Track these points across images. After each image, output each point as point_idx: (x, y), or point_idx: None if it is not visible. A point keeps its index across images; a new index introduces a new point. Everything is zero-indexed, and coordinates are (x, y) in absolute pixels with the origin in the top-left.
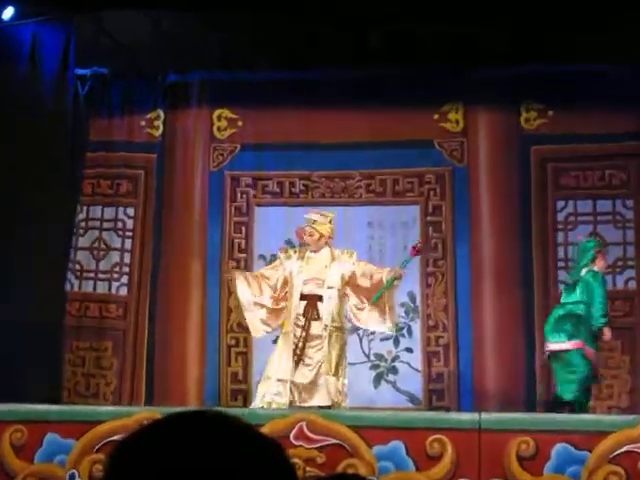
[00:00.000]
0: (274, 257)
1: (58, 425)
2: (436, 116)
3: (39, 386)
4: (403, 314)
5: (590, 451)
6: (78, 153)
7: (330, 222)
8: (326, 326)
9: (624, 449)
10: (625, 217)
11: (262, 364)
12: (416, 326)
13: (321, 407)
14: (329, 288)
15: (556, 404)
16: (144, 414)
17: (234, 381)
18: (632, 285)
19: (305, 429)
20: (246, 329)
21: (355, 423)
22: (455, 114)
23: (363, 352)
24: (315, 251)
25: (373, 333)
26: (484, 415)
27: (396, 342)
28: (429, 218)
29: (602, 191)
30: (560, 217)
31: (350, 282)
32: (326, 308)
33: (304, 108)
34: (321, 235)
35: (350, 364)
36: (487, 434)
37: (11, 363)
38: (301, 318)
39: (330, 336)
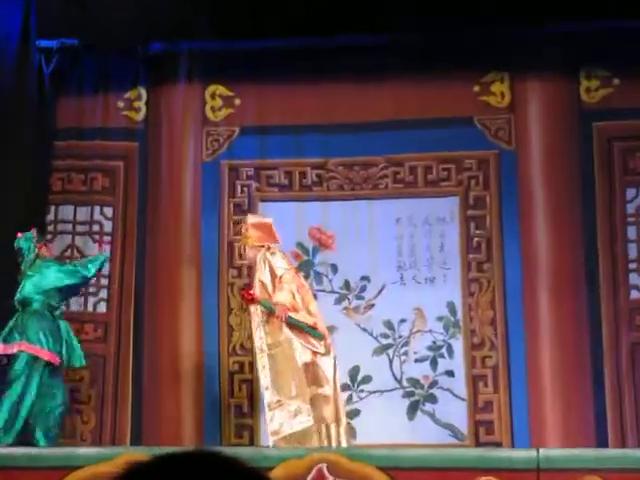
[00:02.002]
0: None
1: (28, 472)
2: (476, 88)
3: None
4: (441, 330)
5: None
6: (44, 142)
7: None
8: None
9: None
10: None
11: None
12: (458, 344)
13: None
14: None
15: None
16: (129, 456)
17: (238, 415)
18: None
19: (325, 472)
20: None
21: (386, 464)
22: (500, 85)
23: (394, 377)
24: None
25: (406, 354)
26: (543, 452)
27: (434, 364)
28: (470, 212)
29: None
30: (631, 208)
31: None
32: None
33: (316, 82)
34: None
35: (379, 392)
36: (547, 474)
37: None
38: None
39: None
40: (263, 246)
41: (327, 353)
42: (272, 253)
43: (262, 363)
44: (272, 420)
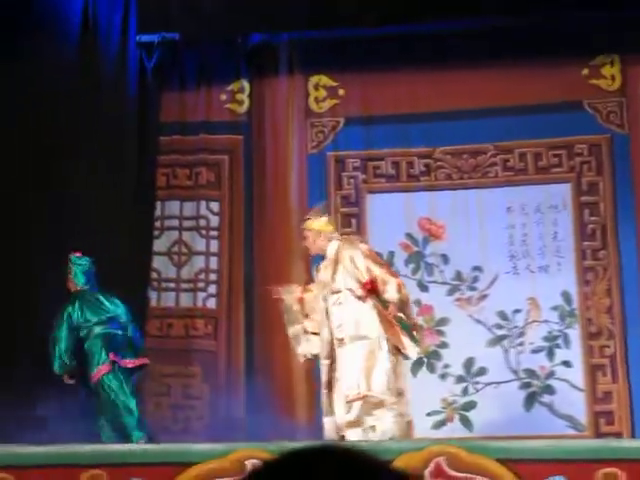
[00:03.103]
0: (391, 255)
1: (142, 468)
2: (585, 71)
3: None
4: (557, 319)
5: None
6: (149, 137)
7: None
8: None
9: None
10: None
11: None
12: (574, 334)
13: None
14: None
15: None
16: (244, 452)
17: None
18: None
19: (444, 465)
20: None
21: (505, 456)
22: (610, 68)
23: (510, 368)
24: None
25: (521, 344)
26: None
27: (550, 354)
28: (583, 199)
29: None
30: None
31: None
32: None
33: (422, 69)
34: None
35: (495, 383)
36: None
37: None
38: None
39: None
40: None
41: None
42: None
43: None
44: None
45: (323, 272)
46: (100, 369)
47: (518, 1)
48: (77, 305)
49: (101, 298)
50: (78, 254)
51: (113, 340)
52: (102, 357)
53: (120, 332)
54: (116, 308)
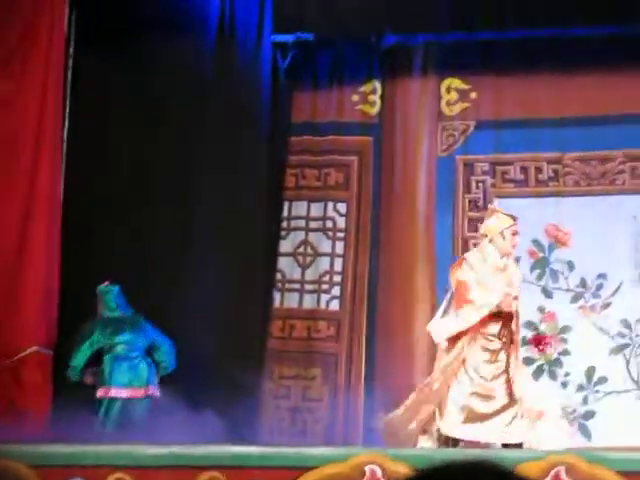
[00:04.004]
0: (517, 260)
1: (260, 471)
2: None
3: (234, 424)
4: None
5: None
6: (279, 137)
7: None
8: None
9: None
10: None
11: None
12: None
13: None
14: None
15: None
16: (364, 457)
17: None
18: None
19: (563, 475)
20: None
21: (625, 467)
22: None
23: (631, 377)
24: None
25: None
26: None
27: None
28: None
29: None
30: None
31: None
32: None
33: (553, 74)
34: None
35: (615, 392)
36: None
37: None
38: None
39: None
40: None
41: None
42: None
43: None
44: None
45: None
46: (100, 390)
47: None
48: (102, 325)
49: (129, 320)
50: (106, 283)
51: (121, 365)
52: (105, 379)
53: (137, 359)
54: (137, 336)
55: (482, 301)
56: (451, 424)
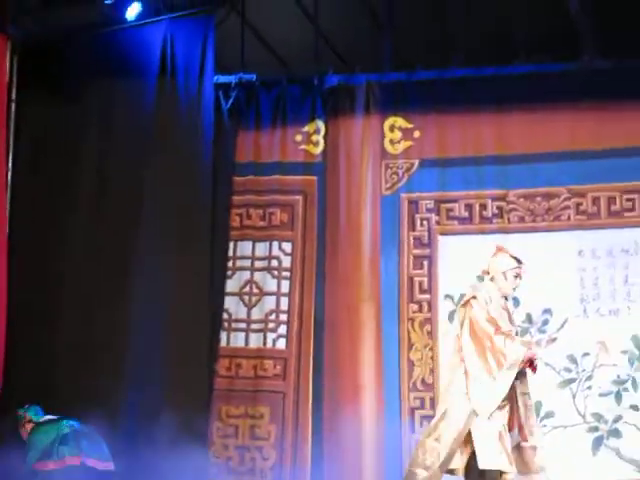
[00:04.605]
0: (462, 297)
1: None
2: None
3: (186, 462)
4: (626, 363)
5: None
6: (223, 177)
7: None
8: None
9: None
10: None
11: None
12: None
13: None
14: None
15: None
16: None
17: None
18: None
19: None
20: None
21: None
22: None
23: (577, 411)
24: None
25: (589, 388)
26: None
27: (618, 398)
28: None
29: None
30: None
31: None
32: None
33: (497, 111)
34: None
35: (562, 426)
36: None
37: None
38: None
39: None
40: None
41: None
42: None
43: None
44: None
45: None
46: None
47: (590, 46)
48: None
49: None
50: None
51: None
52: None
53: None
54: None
55: (510, 359)
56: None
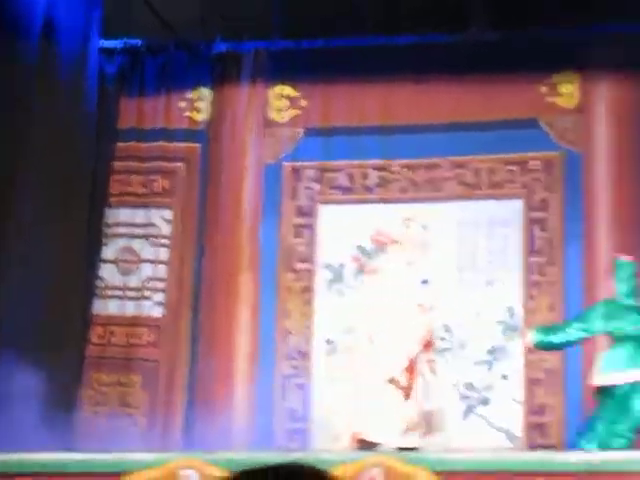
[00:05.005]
0: (342, 267)
1: (77, 477)
2: (544, 89)
3: (53, 431)
4: (499, 333)
5: None
6: (104, 143)
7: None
8: None
9: None
10: None
11: (325, 398)
12: (515, 348)
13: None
14: None
15: None
16: (181, 461)
17: (292, 418)
18: None
19: (380, 476)
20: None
21: (441, 468)
22: (568, 86)
23: (450, 379)
24: None
25: (464, 357)
26: (599, 454)
27: (490, 367)
28: (534, 214)
29: None
30: None
31: None
32: None
33: (382, 82)
34: None
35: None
36: (604, 477)
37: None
38: None
39: None
40: None
41: None
42: None
43: None
44: None
45: None
46: None
47: (475, 17)
48: None
49: None
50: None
51: None
52: None
53: None
54: None
55: None
56: None
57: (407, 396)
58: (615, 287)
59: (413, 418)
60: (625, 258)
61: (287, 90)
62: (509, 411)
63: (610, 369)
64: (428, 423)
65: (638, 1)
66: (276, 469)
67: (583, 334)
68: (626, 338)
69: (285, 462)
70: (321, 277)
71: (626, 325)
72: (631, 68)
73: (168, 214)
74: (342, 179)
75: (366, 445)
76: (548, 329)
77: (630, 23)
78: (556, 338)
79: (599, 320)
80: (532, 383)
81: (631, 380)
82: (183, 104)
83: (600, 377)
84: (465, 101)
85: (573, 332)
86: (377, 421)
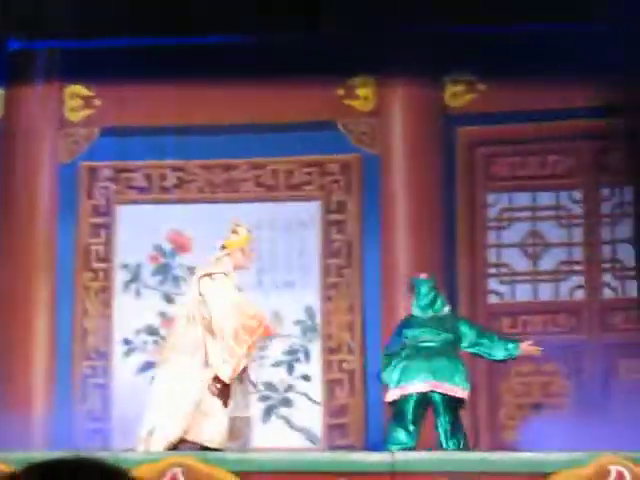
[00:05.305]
0: (139, 267)
1: None
2: (341, 91)
3: None
4: (299, 334)
5: None
6: None
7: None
8: None
9: None
10: (571, 212)
11: (125, 398)
12: (315, 348)
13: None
14: None
15: None
16: None
17: (91, 419)
18: (579, 295)
19: (180, 476)
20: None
21: (241, 468)
22: (364, 89)
23: (250, 381)
24: None
25: (263, 358)
26: (397, 455)
27: (290, 368)
28: (331, 216)
29: (543, 182)
30: (492, 213)
31: None
32: None
33: (179, 83)
34: None
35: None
36: (402, 478)
37: None
38: None
39: None
40: None
41: None
42: None
43: None
44: None
45: None
46: None
47: (275, 19)
48: None
49: None
50: None
51: None
52: None
53: None
54: None
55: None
56: None
57: (217, 396)
58: (413, 303)
59: (220, 419)
60: (422, 276)
61: (81, 89)
62: (310, 412)
63: (402, 381)
64: (234, 424)
65: (428, 5)
66: (57, 464)
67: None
68: (420, 349)
69: (68, 457)
70: (119, 277)
71: (420, 337)
72: (424, 71)
73: None
74: (139, 179)
75: (170, 445)
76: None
77: (423, 26)
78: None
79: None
80: (332, 384)
81: (420, 390)
82: None
83: (393, 390)
84: (263, 103)
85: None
86: (180, 421)
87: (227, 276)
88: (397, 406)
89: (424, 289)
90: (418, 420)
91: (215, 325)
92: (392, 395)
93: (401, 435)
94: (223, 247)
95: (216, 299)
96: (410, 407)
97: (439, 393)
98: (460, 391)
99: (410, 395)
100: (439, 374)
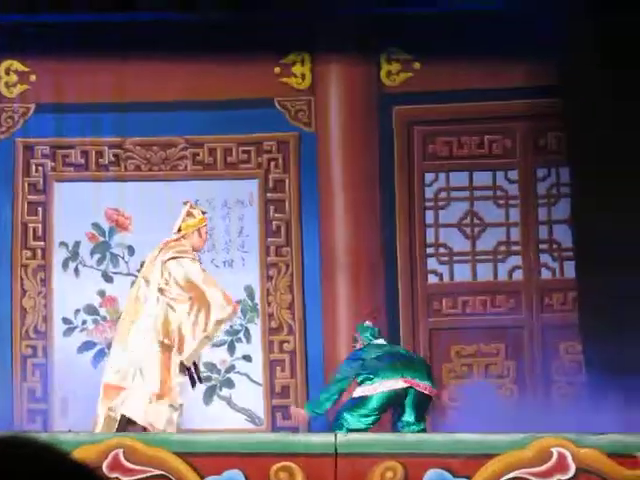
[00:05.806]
0: (77, 245)
1: None
2: (277, 69)
3: None
4: (239, 314)
5: (470, 478)
6: None
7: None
8: None
9: (512, 475)
10: (508, 193)
11: (65, 378)
12: (255, 329)
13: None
14: None
15: None
16: None
17: (32, 400)
18: (517, 275)
19: (121, 457)
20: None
21: (183, 449)
22: (301, 67)
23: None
24: None
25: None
26: (341, 437)
27: (231, 348)
28: (269, 195)
29: (480, 161)
30: (429, 193)
31: None
32: None
33: (116, 59)
34: None
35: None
36: (345, 459)
37: None
38: None
39: None
40: None
41: None
42: None
43: None
44: None
45: None
46: None
47: None
48: None
49: None
50: None
51: None
52: None
53: None
54: None
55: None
56: None
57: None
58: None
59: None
60: (367, 323)
61: (16, 65)
62: (252, 393)
63: (376, 378)
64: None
65: None
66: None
67: (344, 384)
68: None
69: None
70: (57, 255)
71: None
72: (360, 49)
73: None
74: (76, 156)
75: (118, 426)
76: (316, 401)
77: (358, 4)
78: (327, 402)
79: (350, 366)
80: (274, 364)
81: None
82: None
83: (365, 387)
84: (201, 80)
85: (335, 388)
86: (125, 401)
87: (193, 259)
88: (362, 400)
89: (368, 334)
90: (380, 415)
91: (200, 301)
92: (363, 391)
93: (357, 423)
94: (179, 230)
95: (193, 281)
96: (377, 403)
97: (414, 389)
98: (430, 389)
99: (382, 392)
100: (411, 372)
